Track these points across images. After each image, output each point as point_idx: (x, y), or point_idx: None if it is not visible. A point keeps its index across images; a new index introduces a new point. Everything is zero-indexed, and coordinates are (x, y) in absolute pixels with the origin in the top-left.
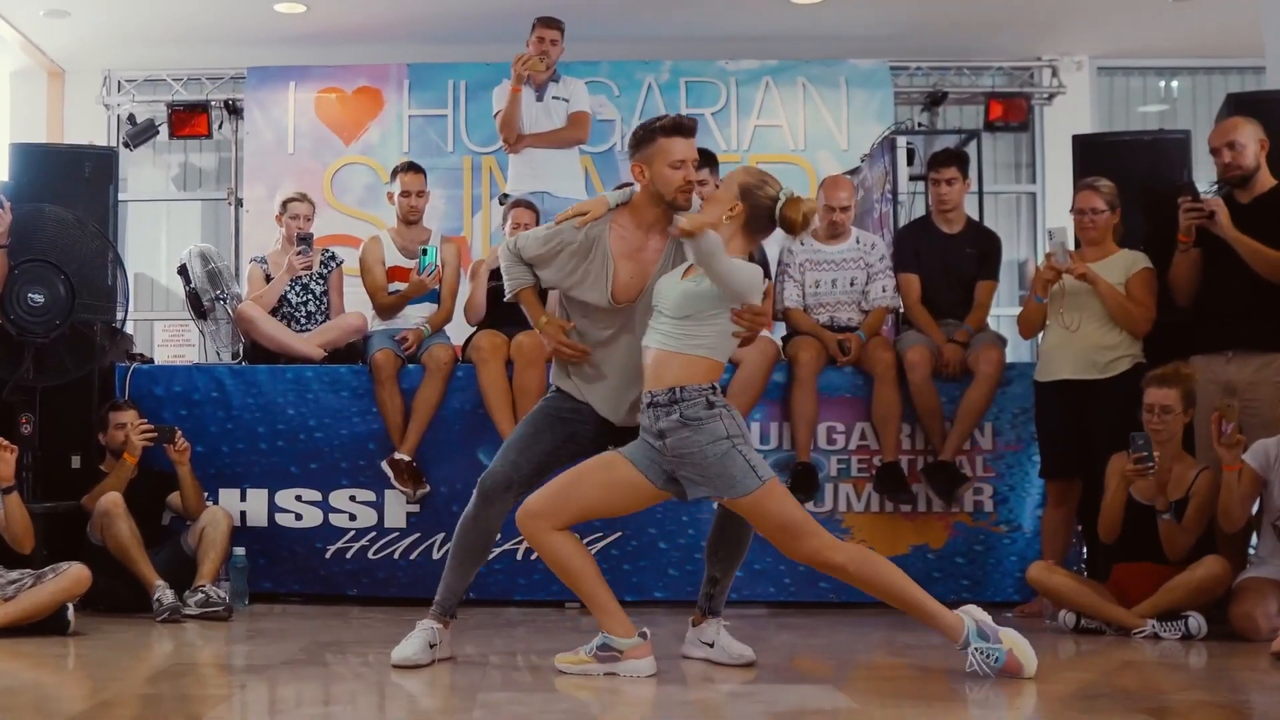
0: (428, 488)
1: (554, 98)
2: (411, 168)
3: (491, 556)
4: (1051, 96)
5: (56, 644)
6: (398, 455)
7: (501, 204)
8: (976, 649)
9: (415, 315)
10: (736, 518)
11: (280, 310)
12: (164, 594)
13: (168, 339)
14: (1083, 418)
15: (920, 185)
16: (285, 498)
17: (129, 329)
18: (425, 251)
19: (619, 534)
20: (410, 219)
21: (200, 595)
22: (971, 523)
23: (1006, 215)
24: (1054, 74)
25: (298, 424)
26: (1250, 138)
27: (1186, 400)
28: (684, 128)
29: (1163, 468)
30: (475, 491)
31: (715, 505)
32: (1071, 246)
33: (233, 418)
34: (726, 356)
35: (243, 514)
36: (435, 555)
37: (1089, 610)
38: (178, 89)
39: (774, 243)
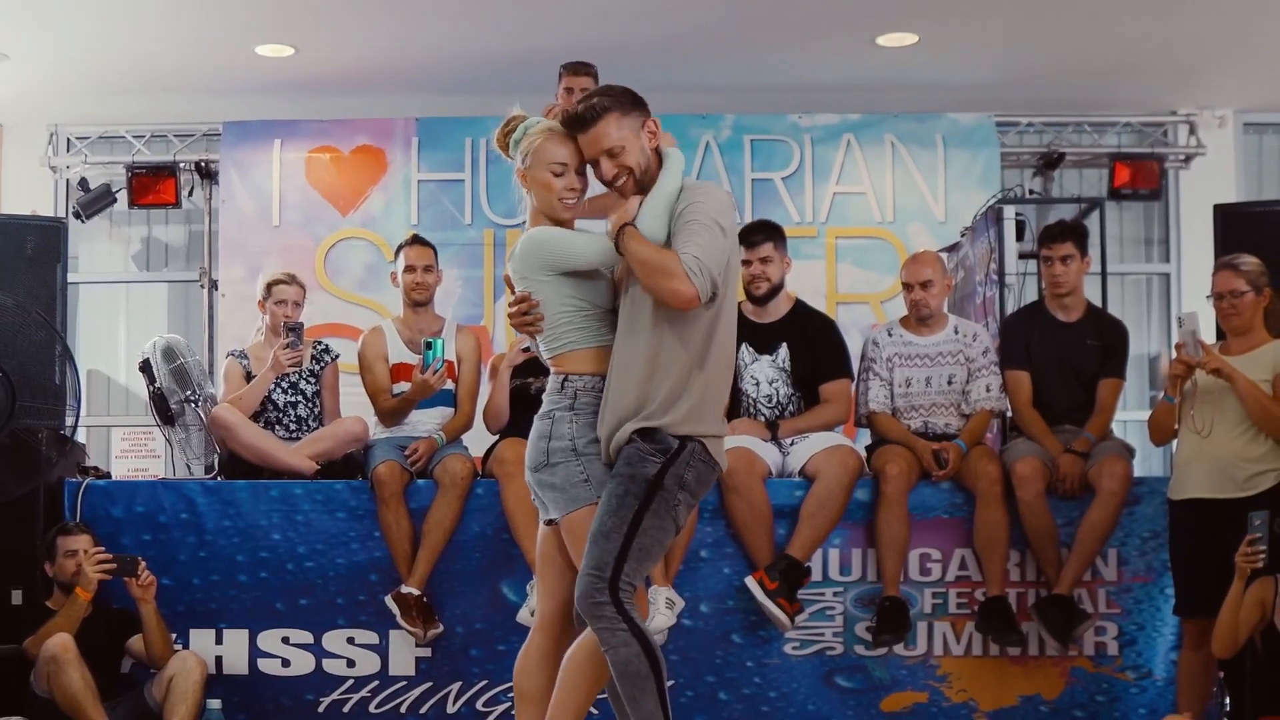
0: (441, 628)
1: None
2: (417, 241)
3: None
4: (1189, 158)
5: None
6: (405, 589)
7: None
8: None
9: (427, 421)
10: None
11: (264, 415)
12: None
13: (128, 449)
14: (1222, 544)
15: (1032, 265)
16: (270, 640)
17: (81, 437)
18: (430, 345)
19: (671, 682)
20: (417, 299)
21: None
22: (1093, 668)
23: (1135, 300)
24: (1192, 131)
25: (285, 551)
26: None
27: None
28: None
29: None
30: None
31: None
32: (1212, 336)
33: (206, 544)
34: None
35: (218, 659)
36: (450, 708)
37: None
38: (139, 148)
39: (856, 334)
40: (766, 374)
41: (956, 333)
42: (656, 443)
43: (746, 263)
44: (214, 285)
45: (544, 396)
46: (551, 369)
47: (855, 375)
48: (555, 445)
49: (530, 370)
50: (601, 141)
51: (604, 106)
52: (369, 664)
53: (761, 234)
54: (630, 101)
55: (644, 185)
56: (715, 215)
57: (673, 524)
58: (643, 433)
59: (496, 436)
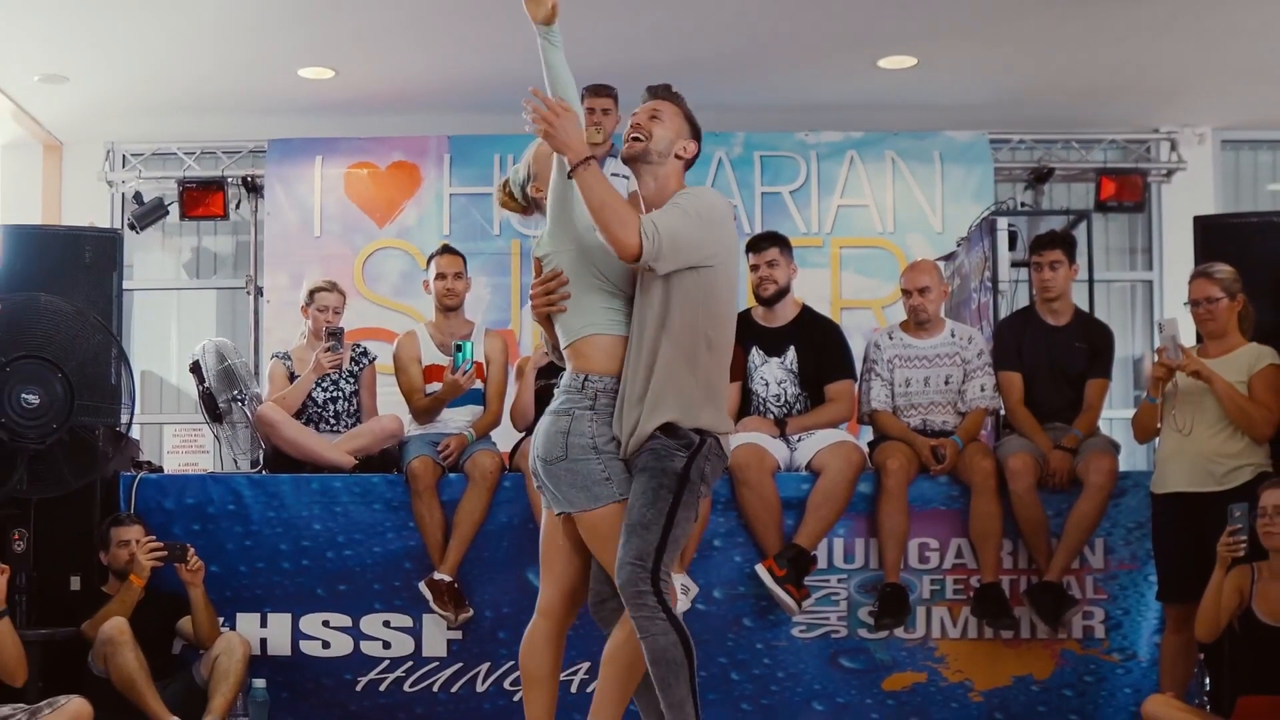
0: (471, 612)
1: (612, 174)
2: (448, 251)
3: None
4: (1170, 173)
5: None
6: (437, 575)
7: None
8: None
9: (458, 419)
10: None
11: (306, 413)
12: None
13: (179, 445)
14: (1203, 534)
15: (1023, 272)
16: (311, 623)
17: (135, 434)
18: (459, 348)
19: None
20: (448, 304)
21: None
22: (1081, 650)
23: (1120, 306)
24: (1173, 148)
25: (325, 540)
26: None
27: None
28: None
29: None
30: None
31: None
32: (1191, 340)
33: (252, 534)
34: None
35: (263, 641)
36: (479, 688)
37: None
38: (189, 164)
39: (859, 338)
40: (775, 375)
41: (953, 336)
42: (679, 438)
43: (754, 267)
44: (259, 292)
45: (558, 392)
46: (570, 364)
47: (858, 376)
48: (575, 441)
49: (553, 372)
50: (658, 108)
51: (680, 101)
52: (404, 646)
53: (767, 240)
54: (692, 124)
55: (645, 160)
56: (699, 209)
57: (694, 514)
58: (665, 428)
59: (523, 433)
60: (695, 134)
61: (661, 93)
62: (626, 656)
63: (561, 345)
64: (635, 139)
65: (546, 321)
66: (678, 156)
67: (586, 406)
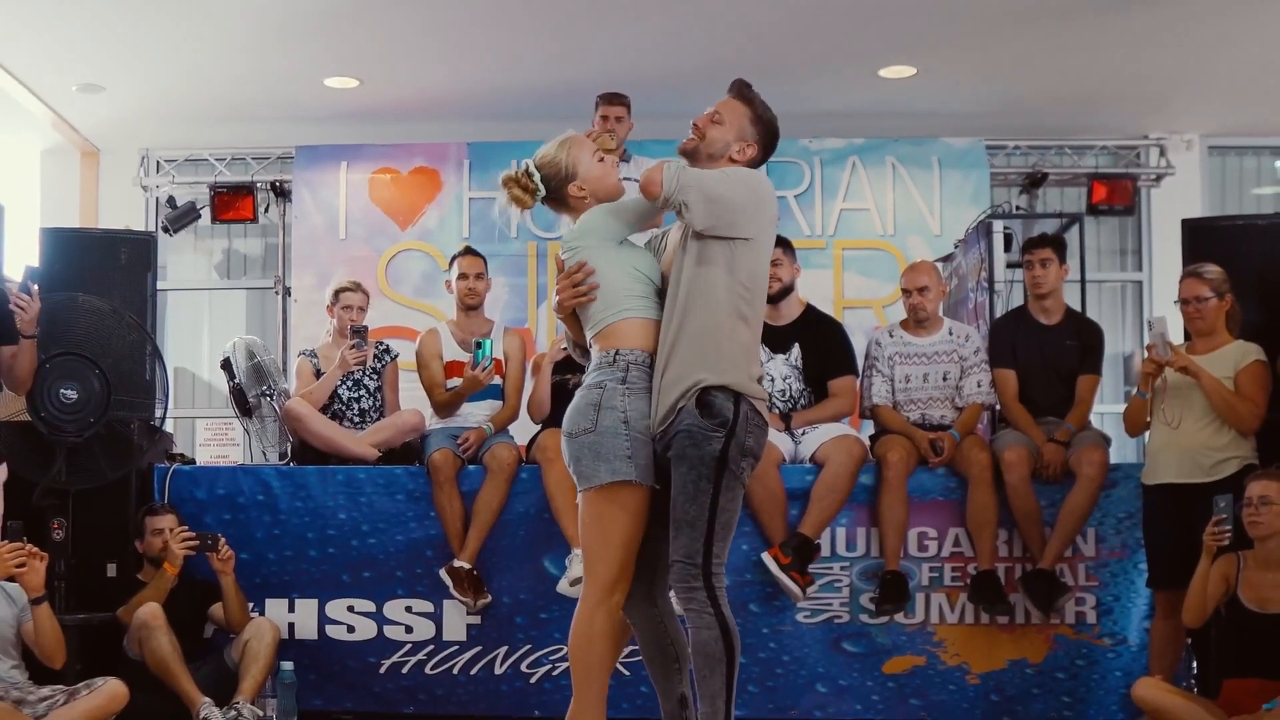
0: (489, 598)
1: (625, 179)
2: (469, 252)
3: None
4: (1159, 178)
5: None
6: (457, 563)
7: None
8: None
9: (477, 413)
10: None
11: (331, 408)
12: (210, 712)
13: (210, 438)
14: (1191, 524)
15: (1018, 273)
16: (336, 608)
17: (168, 427)
18: (480, 345)
19: None
20: (469, 303)
21: (233, 713)
22: (1073, 635)
23: (1111, 305)
24: (1162, 154)
25: (350, 529)
26: None
27: None
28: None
29: (1265, 571)
30: None
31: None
32: (1179, 338)
33: (280, 523)
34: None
35: (291, 626)
36: (498, 670)
37: None
38: (221, 169)
39: (861, 336)
40: (781, 371)
41: (951, 334)
42: (714, 415)
43: None
44: (287, 292)
45: (589, 371)
46: (597, 347)
47: (860, 372)
48: (606, 413)
49: (569, 367)
50: (721, 110)
51: (753, 103)
52: (425, 630)
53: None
54: (762, 125)
55: (697, 158)
56: (742, 175)
57: (742, 488)
58: (700, 401)
59: (539, 426)
60: (764, 137)
61: (736, 90)
62: (582, 653)
63: (589, 335)
64: (690, 137)
65: (571, 318)
66: (732, 159)
67: (618, 380)
